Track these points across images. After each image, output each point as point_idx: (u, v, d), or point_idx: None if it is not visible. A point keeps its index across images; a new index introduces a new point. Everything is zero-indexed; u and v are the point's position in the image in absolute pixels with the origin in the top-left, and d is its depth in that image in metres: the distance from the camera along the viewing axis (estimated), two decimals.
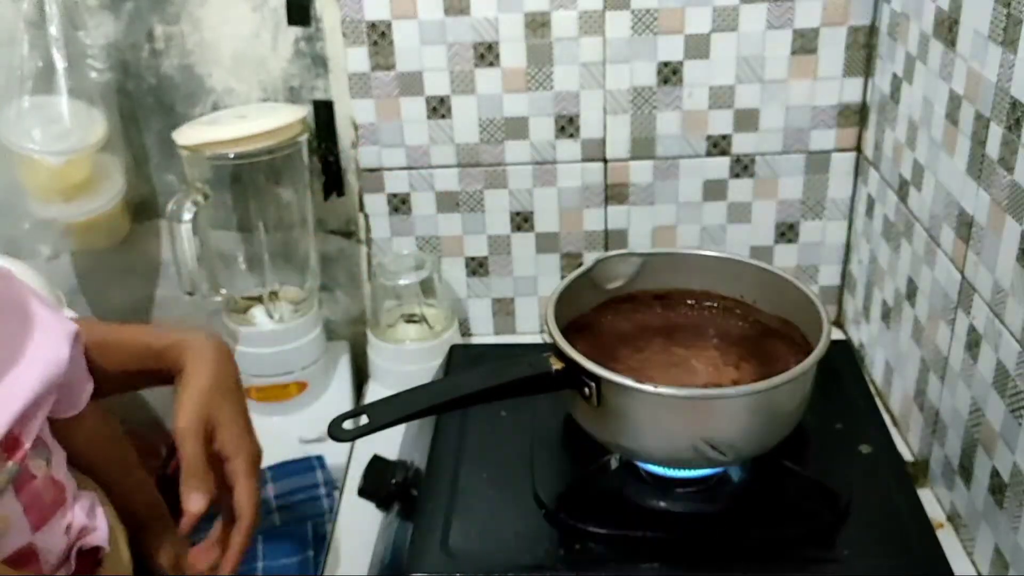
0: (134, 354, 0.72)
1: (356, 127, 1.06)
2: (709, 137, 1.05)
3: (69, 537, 0.66)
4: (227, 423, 0.69)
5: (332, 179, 1.09)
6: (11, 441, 0.60)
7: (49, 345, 0.65)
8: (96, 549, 0.68)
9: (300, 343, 1.07)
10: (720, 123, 1.04)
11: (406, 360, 1.08)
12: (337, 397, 1.11)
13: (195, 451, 0.67)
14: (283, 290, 1.09)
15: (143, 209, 1.12)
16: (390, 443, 0.89)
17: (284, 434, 1.05)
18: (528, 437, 0.82)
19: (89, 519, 0.68)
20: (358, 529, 0.87)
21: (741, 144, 1.05)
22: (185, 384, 0.69)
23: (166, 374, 0.71)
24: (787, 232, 1.10)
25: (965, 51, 0.77)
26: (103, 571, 0.69)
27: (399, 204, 1.09)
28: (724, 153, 1.06)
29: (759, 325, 0.82)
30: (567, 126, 1.05)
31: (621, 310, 0.84)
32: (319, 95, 1.06)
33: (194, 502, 0.65)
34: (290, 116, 1.00)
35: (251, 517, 0.69)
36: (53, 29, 0.96)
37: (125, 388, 0.74)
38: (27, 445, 0.61)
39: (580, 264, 1.05)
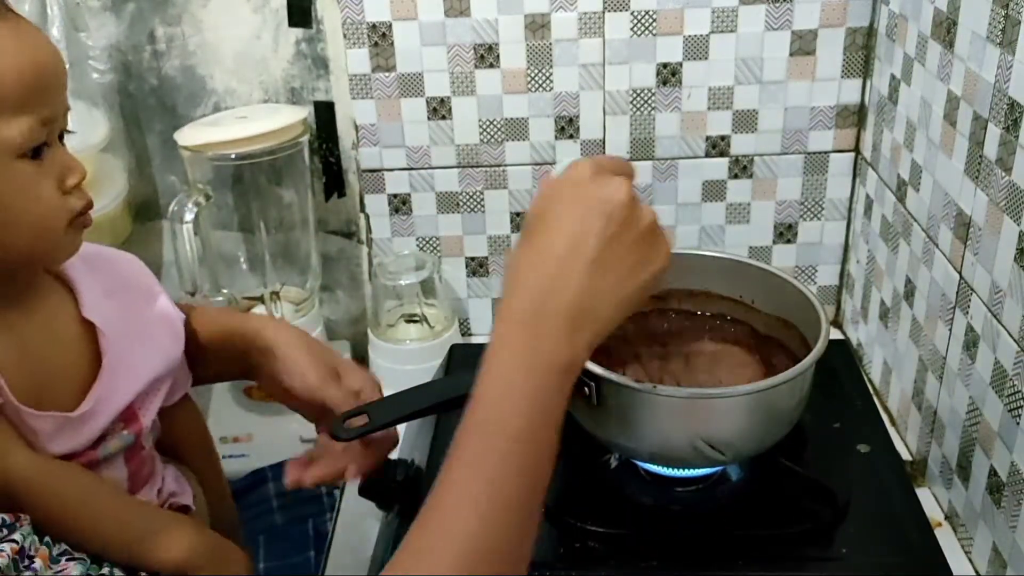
0: (222, 332, 0.75)
1: (357, 128, 1.06)
2: (708, 138, 1.05)
3: (160, 498, 0.70)
4: (345, 368, 0.74)
5: (333, 180, 1.10)
6: (130, 414, 0.65)
7: (170, 331, 0.70)
8: (184, 508, 0.72)
9: None
10: (719, 124, 1.04)
11: (407, 360, 1.08)
12: None
13: (338, 392, 0.72)
14: (284, 290, 1.09)
15: (145, 209, 1.12)
16: None
17: (285, 433, 1.05)
18: None
19: (177, 485, 0.73)
20: (359, 528, 0.87)
21: (740, 145, 1.05)
22: (288, 350, 0.73)
23: (249, 355, 0.75)
24: (786, 232, 1.10)
25: (963, 52, 0.77)
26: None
27: (400, 204, 1.10)
28: (723, 154, 1.06)
29: (758, 325, 0.82)
30: (567, 127, 1.05)
31: None
32: (320, 96, 1.06)
33: (353, 471, 0.71)
34: (291, 117, 1.00)
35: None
36: (55, 30, 0.96)
37: (213, 370, 0.77)
38: (144, 422, 0.66)
39: None
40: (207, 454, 0.80)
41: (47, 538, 0.57)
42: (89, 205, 0.61)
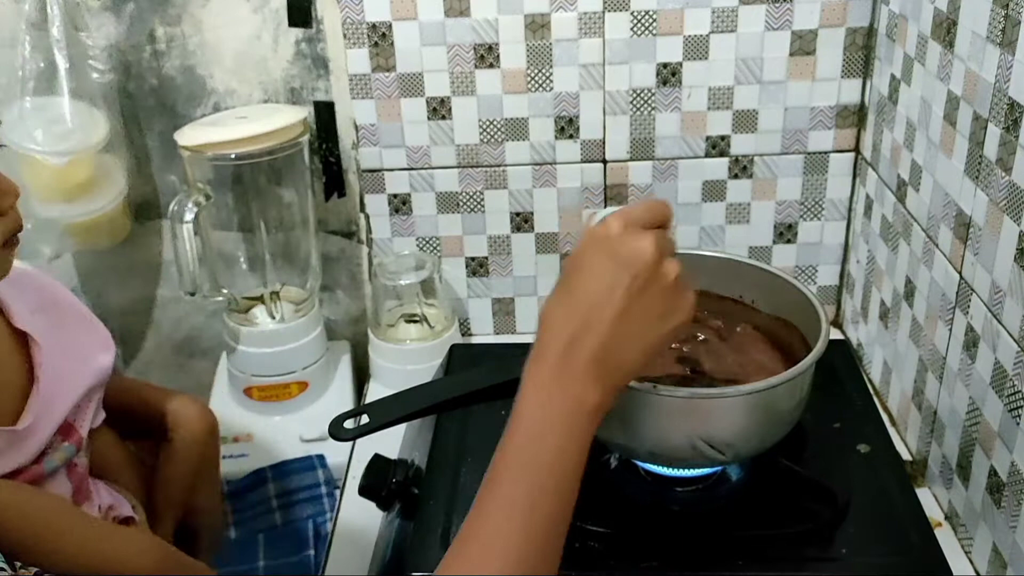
0: (132, 400, 0.79)
1: (357, 128, 1.06)
2: (708, 138, 1.05)
3: (101, 513, 0.71)
4: (203, 508, 0.79)
5: (333, 180, 1.10)
6: (67, 427, 0.67)
7: (98, 340, 0.72)
8: (128, 520, 0.74)
9: (301, 343, 1.07)
10: (719, 124, 1.04)
11: (407, 360, 1.08)
12: (338, 396, 1.11)
13: (168, 533, 0.76)
14: (284, 290, 1.09)
15: (145, 209, 1.12)
16: (391, 442, 0.90)
17: (285, 433, 1.06)
18: None
19: (113, 498, 0.73)
20: (359, 528, 0.87)
21: (740, 145, 1.05)
22: (174, 460, 0.78)
23: (151, 430, 0.79)
24: (786, 232, 1.10)
25: (963, 52, 0.77)
26: None
27: (400, 204, 1.10)
28: (723, 154, 1.06)
29: (758, 325, 0.82)
30: (567, 127, 1.05)
31: None
32: (320, 96, 1.06)
33: None
34: (291, 117, 1.00)
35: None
36: (55, 30, 0.96)
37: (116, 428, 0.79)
38: (82, 433, 0.68)
39: None
40: (134, 477, 0.80)
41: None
42: (19, 227, 0.63)
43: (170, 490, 0.78)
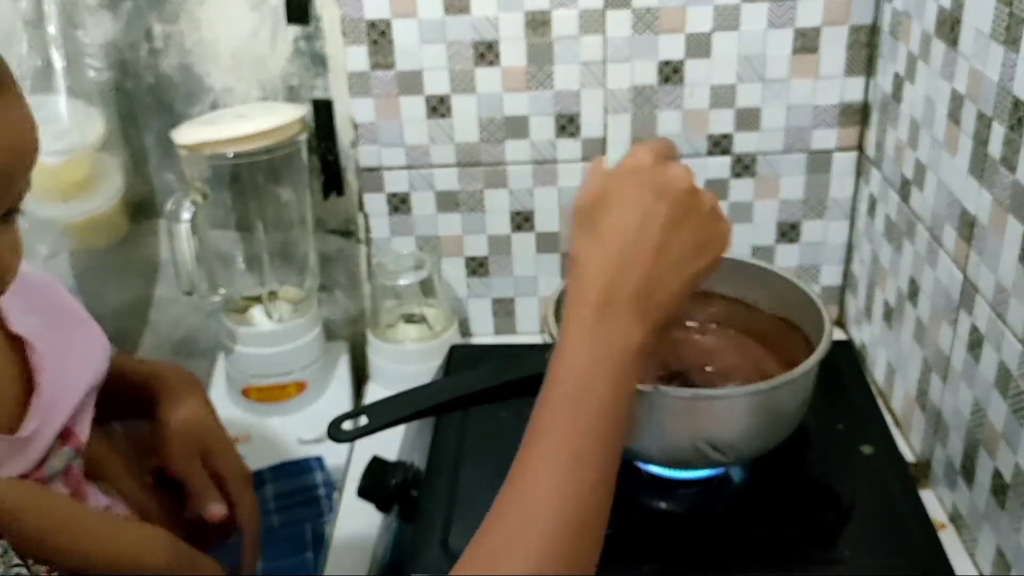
0: (115, 377, 0.75)
1: (356, 126, 1.05)
2: (710, 136, 1.05)
3: None
4: (218, 449, 0.74)
5: (331, 178, 1.09)
6: (66, 431, 0.65)
7: (95, 347, 0.70)
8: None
9: (299, 343, 1.06)
10: (721, 122, 1.04)
11: (406, 360, 1.08)
12: (336, 398, 1.11)
13: (199, 472, 0.72)
14: (282, 290, 1.09)
15: (142, 208, 1.12)
16: (390, 444, 0.89)
17: (283, 435, 1.05)
18: None
19: (108, 499, 0.72)
20: (357, 530, 0.87)
21: (742, 143, 1.05)
22: (168, 416, 0.74)
23: (139, 403, 0.76)
24: (788, 232, 1.10)
25: (967, 50, 0.77)
26: None
27: (399, 204, 1.09)
28: (725, 152, 1.05)
29: (760, 325, 0.82)
30: (567, 125, 1.04)
31: None
32: (318, 94, 1.05)
33: (217, 508, 0.71)
34: (289, 115, 1.00)
35: (256, 526, 0.74)
36: (51, 28, 0.96)
37: (109, 408, 0.77)
38: (82, 438, 0.66)
39: None
40: (132, 484, 0.78)
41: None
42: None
43: (179, 437, 0.73)
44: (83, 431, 0.68)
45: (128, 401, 0.76)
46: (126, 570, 0.61)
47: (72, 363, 0.67)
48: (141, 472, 0.79)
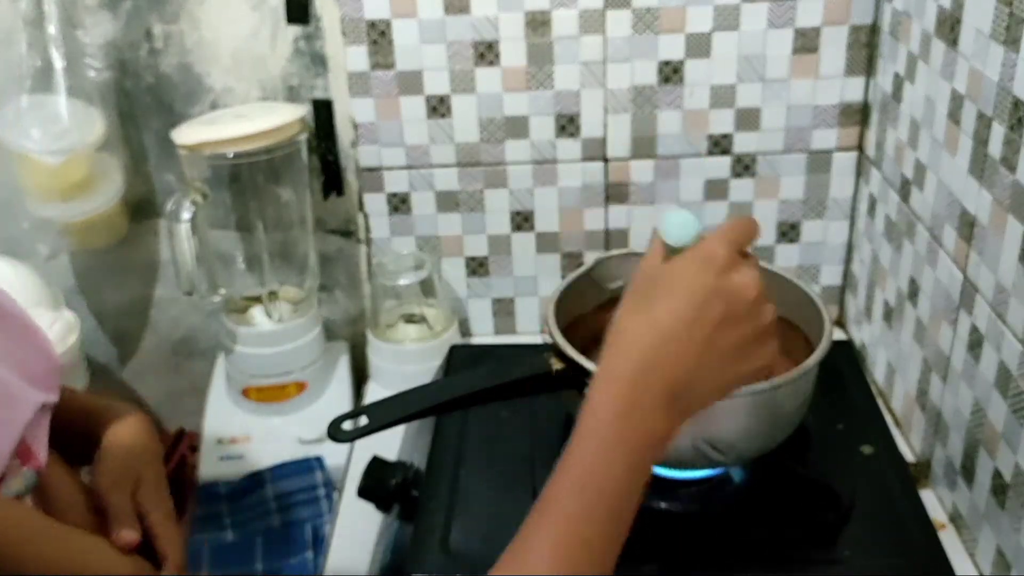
0: (66, 409, 0.74)
1: (355, 126, 1.05)
2: (710, 136, 1.05)
3: None
4: (148, 483, 0.73)
5: (331, 178, 1.09)
6: (23, 449, 0.64)
7: (44, 362, 0.68)
8: None
9: (299, 343, 1.06)
10: (721, 122, 1.04)
11: (406, 360, 1.08)
12: (336, 398, 1.11)
13: (123, 501, 0.70)
14: (282, 290, 1.08)
15: (142, 208, 1.12)
16: (390, 444, 0.89)
17: (283, 435, 1.05)
18: (528, 437, 0.82)
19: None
20: (357, 530, 0.87)
21: (742, 143, 1.05)
22: (110, 445, 0.72)
23: (87, 433, 0.74)
24: (789, 232, 1.10)
25: (967, 50, 0.77)
26: None
27: (399, 204, 1.09)
28: (725, 152, 1.05)
29: None
30: (567, 125, 1.04)
31: None
32: (318, 94, 1.05)
33: (128, 534, 0.68)
34: (289, 115, 1.00)
35: (178, 555, 0.72)
36: (51, 28, 0.96)
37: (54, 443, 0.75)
38: (41, 456, 0.65)
39: (581, 264, 1.05)
40: (88, 517, 0.75)
41: None
42: None
43: (114, 465, 0.72)
44: (41, 451, 0.65)
45: (76, 431, 0.74)
46: None
47: (21, 374, 0.65)
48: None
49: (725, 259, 0.56)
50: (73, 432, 0.73)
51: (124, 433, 0.74)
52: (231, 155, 0.97)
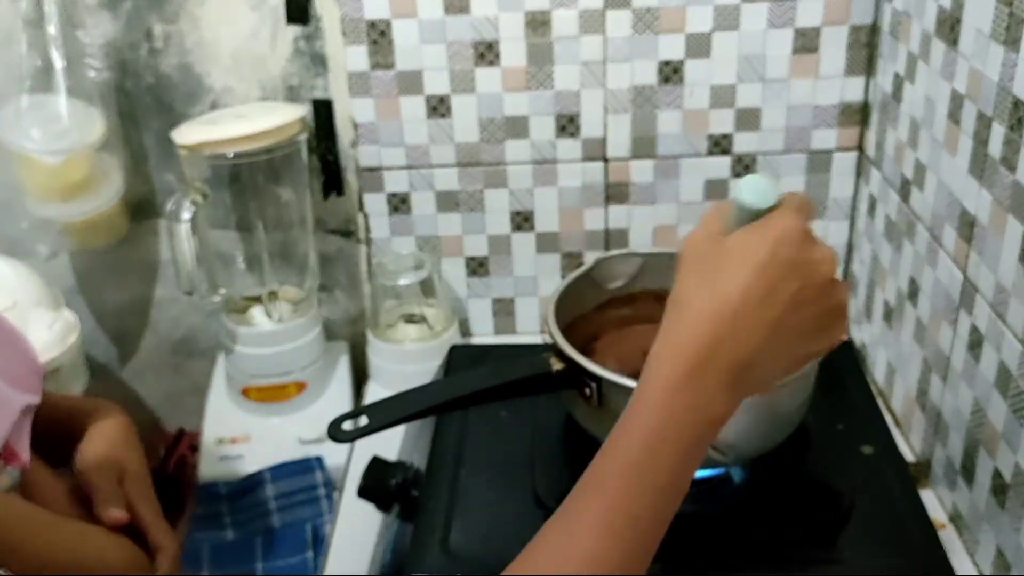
0: (49, 408, 0.74)
1: (355, 126, 1.05)
2: (710, 136, 1.05)
3: None
4: (133, 473, 0.73)
5: (331, 178, 1.09)
6: (9, 452, 0.64)
7: (27, 365, 0.69)
8: None
9: (299, 343, 1.07)
10: (721, 122, 1.04)
11: (406, 360, 1.08)
12: (336, 397, 1.11)
13: (109, 483, 0.70)
14: (282, 290, 1.09)
15: (142, 208, 1.12)
16: (390, 444, 0.89)
17: (283, 435, 1.05)
18: (528, 437, 0.82)
19: None
20: (357, 530, 0.87)
21: (742, 143, 1.05)
22: (94, 434, 0.73)
23: (71, 433, 0.74)
24: None
25: (967, 50, 0.77)
26: None
27: (399, 204, 1.09)
28: (725, 152, 1.06)
29: None
30: (567, 125, 1.05)
31: (622, 310, 0.84)
32: (318, 94, 1.05)
33: (117, 512, 0.69)
34: (289, 115, 1.00)
35: (173, 546, 0.71)
36: (51, 28, 0.96)
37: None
38: (24, 457, 0.65)
39: (581, 264, 1.05)
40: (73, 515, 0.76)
41: None
42: None
43: (99, 450, 0.72)
44: (24, 451, 0.66)
45: (59, 430, 0.74)
46: (86, 571, 0.61)
47: (2, 378, 0.65)
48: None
49: (803, 233, 0.52)
50: (57, 431, 0.73)
51: (108, 425, 0.74)
52: (231, 155, 0.98)
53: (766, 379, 0.53)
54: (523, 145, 1.05)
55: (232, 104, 1.06)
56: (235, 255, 1.08)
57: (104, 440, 0.73)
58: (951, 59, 0.80)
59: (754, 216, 0.54)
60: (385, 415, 0.69)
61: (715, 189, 1.07)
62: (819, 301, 0.53)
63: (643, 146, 1.05)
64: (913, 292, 0.90)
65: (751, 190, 0.54)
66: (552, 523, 0.51)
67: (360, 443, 0.76)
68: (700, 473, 0.75)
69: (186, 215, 0.96)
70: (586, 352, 0.70)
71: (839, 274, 0.54)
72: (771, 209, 0.54)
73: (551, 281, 1.12)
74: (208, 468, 1.03)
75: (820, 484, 0.75)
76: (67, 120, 0.98)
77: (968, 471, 0.80)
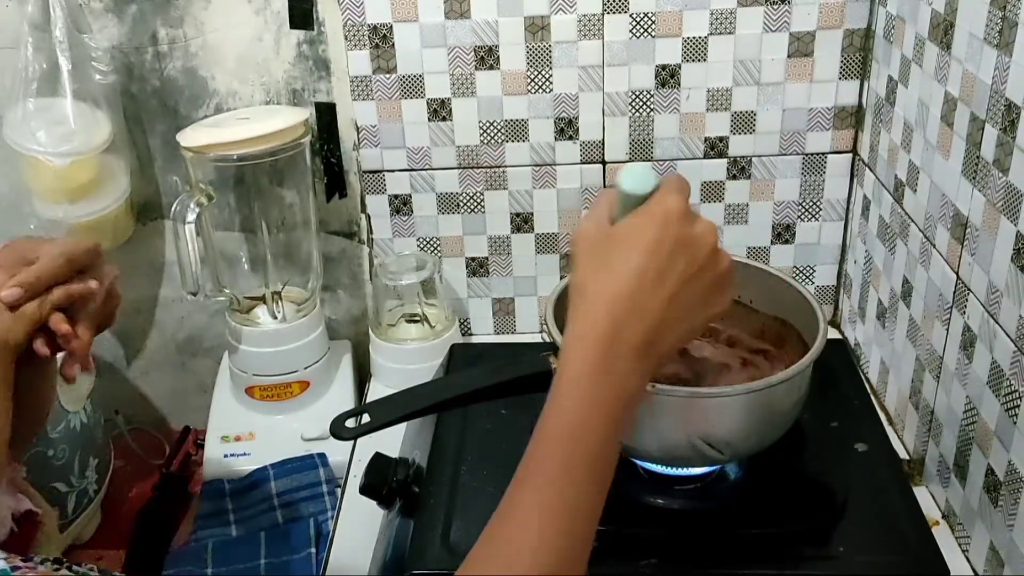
0: None
1: (358, 129, 1.06)
2: (706, 139, 1.06)
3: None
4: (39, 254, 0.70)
5: (334, 180, 1.10)
6: None
7: None
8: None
9: (302, 342, 1.07)
10: (717, 125, 1.05)
11: (407, 359, 1.09)
12: (339, 396, 1.12)
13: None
14: (286, 290, 1.09)
15: (147, 210, 1.13)
16: (391, 441, 0.90)
17: (286, 432, 1.06)
18: (527, 434, 0.81)
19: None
20: (359, 526, 0.87)
21: (738, 146, 1.06)
22: None
23: None
24: (784, 233, 1.11)
25: (960, 54, 0.78)
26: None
27: (400, 205, 1.10)
28: (721, 155, 1.06)
29: (756, 325, 0.82)
30: (566, 128, 1.05)
31: None
32: (321, 97, 1.06)
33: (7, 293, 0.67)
34: (293, 118, 1.01)
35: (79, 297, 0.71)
36: (58, 32, 0.97)
37: None
38: None
39: None
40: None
41: None
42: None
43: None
44: None
45: None
46: None
47: None
48: None
49: (684, 211, 0.57)
50: None
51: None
52: (236, 157, 0.98)
53: (670, 348, 0.57)
54: (523, 148, 1.06)
55: (236, 107, 1.07)
56: (239, 256, 1.09)
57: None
58: (944, 62, 0.81)
59: (638, 202, 0.58)
60: (387, 413, 0.70)
61: (711, 191, 1.08)
62: (707, 270, 0.57)
63: (640, 149, 1.06)
64: (906, 292, 0.91)
65: (632, 178, 0.58)
66: (492, 522, 0.53)
67: (362, 440, 0.76)
68: (697, 471, 0.77)
69: (191, 216, 0.96)
70: None
71: (721, 243, 0.58)
72: (652, 193, 0.58)
73: (550, 281, 1.13)
74: (212, 465, 1.04)
75: (815, 482, 0.76)
76: (74, 123, 0.99)
77: (961, 469, 0.81)
